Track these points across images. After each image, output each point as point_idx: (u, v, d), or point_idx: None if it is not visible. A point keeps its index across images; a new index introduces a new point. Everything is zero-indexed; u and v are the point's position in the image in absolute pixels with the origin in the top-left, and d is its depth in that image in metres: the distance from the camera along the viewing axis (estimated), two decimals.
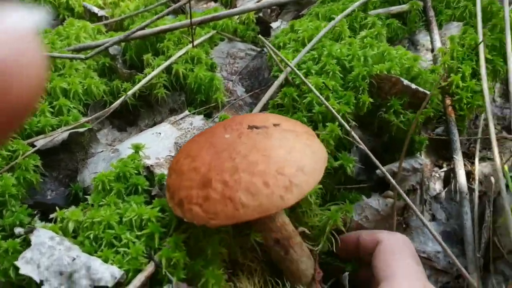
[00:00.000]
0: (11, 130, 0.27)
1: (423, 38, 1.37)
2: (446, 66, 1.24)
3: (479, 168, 1.21)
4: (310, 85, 1.07)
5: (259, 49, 1.52)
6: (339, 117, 1.07)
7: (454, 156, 1.16)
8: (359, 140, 1.04)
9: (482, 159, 1.26)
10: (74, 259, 0.87)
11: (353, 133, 1.04)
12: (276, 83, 1.19)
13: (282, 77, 1.20)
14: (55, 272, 0.86)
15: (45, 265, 0.86)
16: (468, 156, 1.24)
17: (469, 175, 1.21)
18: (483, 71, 1.17)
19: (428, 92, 1.13)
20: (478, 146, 1.23)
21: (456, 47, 1.24)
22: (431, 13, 1.40)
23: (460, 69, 1.23)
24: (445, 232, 1.14)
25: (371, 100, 1.14)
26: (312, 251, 1.08)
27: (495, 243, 1.09)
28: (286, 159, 0.84)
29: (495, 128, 1.34)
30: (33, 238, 0.90)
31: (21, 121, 0.27)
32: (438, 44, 1.34)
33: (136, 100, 1.35)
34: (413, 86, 1.12)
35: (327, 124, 1.11)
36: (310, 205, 1.11)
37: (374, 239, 1.01)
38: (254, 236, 1.03)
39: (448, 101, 1.22)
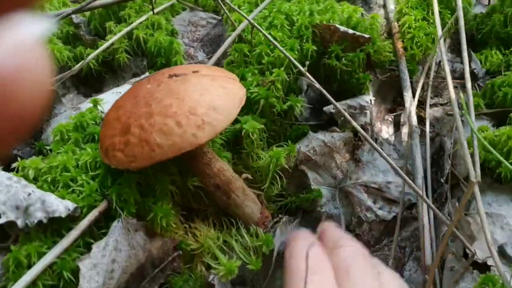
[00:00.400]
0: (18, 138, 0.27)
1: None
2: (401, 13, 1.31)
3: (430, 112, 1.27)
4: (265, 33, 1.13)
5: (219, 18, 1.58)
6: (292, 59, 1.13)
7: (404, 93, 1.23)
8: (310, 77, 1.09)
9: (434, 105, 1.33)
10: (29, 194, 0.93)
11: (306, 73, 1.10)
12: (230, 39, 1.26)
13: (235, 33, 1.26)
14: (11, 206, 0.91)
15: (2, 200, 0.92)
16: (420, 103, 1.31)
17: (421, 119, 1.28)
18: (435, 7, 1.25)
19: (366, 36, 1.19)
20: (429, 92, 1.30)
21: None
22: None
23: (412, 14, 1.31)
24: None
25: (314, 48, 1.21)
26: (259, 196, 1.14)
27: (453, 173, 1.16)
28: (198, 100, 0.89)
29: (445, 79, 1.41)
30: None
31: (27, 130, 0.27)
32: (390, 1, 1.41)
33: (100, 66, 1.41)
34: (350, 31, 1.19)
35: (273, 70, 1.17)
36: (254, 148, 1.16)
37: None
38: (190, 181, 1.09)
39: (399, 44, 1.29)
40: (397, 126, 1.32)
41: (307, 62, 1.11)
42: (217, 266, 1.03)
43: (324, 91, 1.07)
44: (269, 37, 1.12)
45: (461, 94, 1.09)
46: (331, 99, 1.06)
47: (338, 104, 1.06)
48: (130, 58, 1.41)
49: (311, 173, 1.18)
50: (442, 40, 1.18)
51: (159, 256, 1.03)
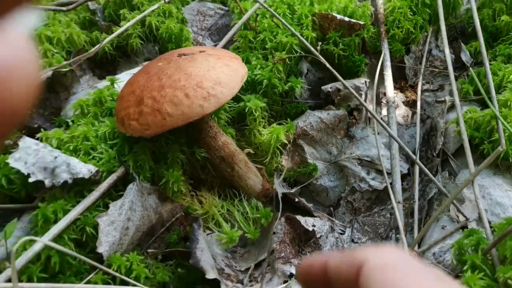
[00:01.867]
0: (6, 133, 0.27)
1: None
2: (390, 1, 1.43)
3: (422, 97, 1.38)
4: (276, 14, 1.24)
5: (226, 9, 1.68)
6: (304, 40, 1.24)
7: (384, 72, 1.34)
8: (322, 58, 1.20)
9: (425, 91, 1.44)
10: (56, 157, 1.03)
11: (319, 55, 1.21)
12: (237, 25, 1.36)
13: (243, 19, 1.37)
14: (40, 167, 1.02)
15: (31, 162, 1.02)
16: (412, 88, 1.42)
17: (414, 103, 1.39)
18: None
19: (362, 23, 1.31)
20: (421, 79, 1.41)
21: None
22: None
23: (398, 2, 1.42)
24: (386, 143, 1.31)
25: (313, 34, 1.32)
26: (261, 170, 1.25)
27: (443, 149, 1.27)
28: (204, 75, 1.01)
29: (437, 68, 1.52)
30: (21, 143, 1.06)
31: (15, 126, 0.27)
32: None
33: (114, 50, 1.51)
34: (347, 19, 1.30)
35: (276, 53, 1.28)
36: (256, 125, 1.27)
37: (353, 260, 0.86)
38: (198, 152, 1.19)
39: (382, 28, 1.40)
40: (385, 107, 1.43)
41: (320, 44, 1.22)
42: (219, 233, 1.14)
43: (333, 70, 1.18)
44: (283, 20, 1.23)
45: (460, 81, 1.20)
46: (339, 76, 1.18)
47: (345, 82, 1.17)
48: (143, 43, 1.52)
49: (308, 147, 1.28)
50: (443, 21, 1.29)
51: (168, 218, 1.13)
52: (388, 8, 1.43)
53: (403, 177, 1.27)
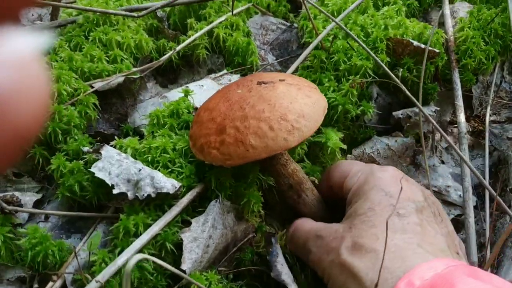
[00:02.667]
0: (11, 159, 0.26)
1: (435, 14, 1.54)
2: (462, 30, 1.41)
3: (489, 128, 1.37)
4: (353, 36, 1.23)
5: (289, 24, 1.67)
6: (383, 65, 1.23)
7: (456, 102, 1.33)
8: (397, 81, 1.19)
9: (492, 122, 1.42)
10: (140, 170, 1.02)
11: (397, 80, 1.20)
12: (311, 46, 1.35)
13: (316, 41, 1.35)
14: (124, 179, 1.01)
15: (115, 172, 1.01)
16: (478, 118, 1.41)
17: (480, 134, 1.38)
18: None
19: (437, 50, 1.30)
20: (488, 110, 1.40)
21: (473, 19, 1.41)
22: None
23: (471, 32, 1.41)
24: (453, 173, 1.29)
25: (388, 59, 1.30)
26: None
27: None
28: (288, 107, 0.99)
29: (503, 99, 1.51)
30: (103, 152, 1.05)
31: (21, 149, 0.26)
32: (447, 12, 1.50)
33: (179, 59, 1.50)
34: (422, 45, 1.29)
35: (350, 77, 1.27)
36: (329, 161, 1.25)
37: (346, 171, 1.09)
38: (268, 180, 1.18)
39: (453, 56, 1.39)
40: (456, 137, 1.42)
41: (401, 70, 1.21)
42: None
43: (411, 96, 1.16)
44: (362, 43, 1.21)
45: None
46: (417, 103, 1.16)
47: (422, 108, 1.16)
48: (208, 54, 1.51)
49: None
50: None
51: (241, 238, 1.12)
52: (461, 37, 1.42)
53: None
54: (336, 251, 0.91)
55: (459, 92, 1.37)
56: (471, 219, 1.18)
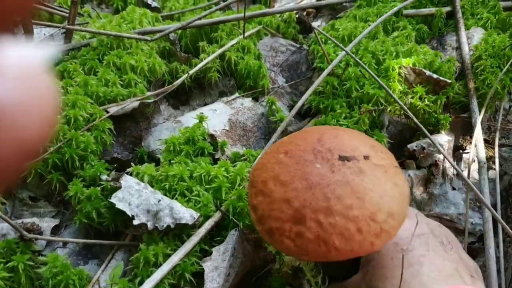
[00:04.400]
0: (18, 171, 0.25)
1: (449, 38, 1.56)
2: (480, 58, 1.44)
3: (498, 152, 1.39)
4: (365, 67, 1.25)
5: (298, 46, 1.70)
6: (394, 95, 1.25)
7: (475, 131, 1.35)
8: (407, 111, 1.22)
9: (501, 145, 1.45)
10: (159, 200, 1.04)
11: (407, 110, 1.22)
12: (325, 73, 1.37)
13: (328, 69, 1.37)
14: (143, 210, 1.02)
15: (135, 203, 1.02)
16: (489, 143, 1.43)
17: (489, 159, 1.40)
18: None
19: (448, 81, 1.32)
20: (497, 134, 1.42)
21: (488, 46, 1.44)
22: (459, 14, 1.58)
23: (488, 61, 1.43)
24: (465, 199, 1.32)
25: (400, 87, 1.33)
26: None
27: None
28: (378, 203, 0.86)
29: (511, 123, 1.53)
30: (123, 182, 1.06)
31: (28, 161, 0.26)
32: (464, 40, 1.52)
33: (191, 81, 1.52)
34: (435, 76, 1.31)
35: (362, 105, 1.29)
36: None
37: None
38: None
39: (471, 85, 1.41)
40: (465, 163, 1.44)
41: (411, 100, 1.24)
42: None
43: (416, 120, 1.19)
44: (373, 74, 1.24)
45: None
46: (428, 135, 1.18)
47: (435, 141, 1.18)
48: (220, 77, 1.53)
49: None
50: None
51: (260, 264, 1.13)
52: (480, 66, 1.43)
53: (481, 236, 1.28)
54: None
55: (478, 121, 1.38)
56: (492, 250, 1.20)
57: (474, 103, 1.39)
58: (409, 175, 1.31)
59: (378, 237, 0.84)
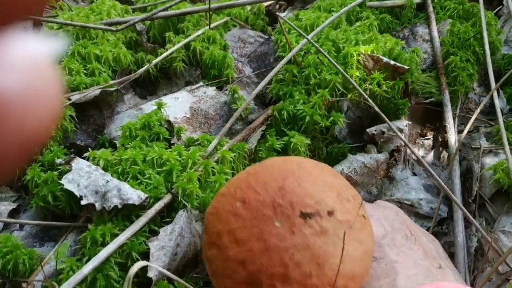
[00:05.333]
0: (21, 163, 0.26)
1: (422, 30, 1.59)
2: (448, 52, 1.47)
3: (458, 138, 1.41)
4: (324, 52, 1.28)
5: (266, 37, 1.72)
6: (352, 80, 1.27)
7: (446, 124, 1.37)
8: (366, 97, 1.24)
9: (461, 131, 1.46)
10: (107, 181, 1.06)
11: (366, 95, 1.24)
12: (284, 60, 1.39)
13: (288, 56, 1.40)
14: (92, 190, 1.05)
15: (84, 184, 1.05)
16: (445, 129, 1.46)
17: (445, 144, 1.42)
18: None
19: (406, 67, 1.34)
20: (456, 121, 1.44)
21: (454, 38, 1.47)
22: (430, 9, 1.61)
23: (458, 55, 1.45)
24: (425, 184, 1.33)
25: (358, 74, 1.35)
26: None
27: (479, 194, 1.30)
28: (339, 268, 0.83)
29: (472, 110, 1.55)
30: (74, 164, 1.09)
31: (32, 154, 0.26)
32: (435, 34, 1.55)
33: (157, 71, 1.55)
34: (392, 62, 1.33)
35: (318, 91, 1.31)
36: None
37: None
38: None
39: (443, 79, 1.43)
40: (427, 149, 1.46)
41: (369, 86, 1.26)
42: None
43: (381, 112, 1.21)
44: (332, 60, 1.26)
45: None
46: (386, 119, 1.21)
47: (392, 124, 1.20)
48: (185, 67, 1.55)
49: None
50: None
51: None
52: (451, 63, 1.46)
53: (442, 220, 1.29)
54: None
55: (449, 114, 1.41)
56: (460, 238, 1.21)
57: (446, 97, 1.42)
58: (370, 158, 1.33)
59: None
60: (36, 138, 0.25)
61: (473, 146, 1.40)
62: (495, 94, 1.34)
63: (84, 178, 1.06)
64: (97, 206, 1.04)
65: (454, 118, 1.47)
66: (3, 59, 0.24)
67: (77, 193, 1.03)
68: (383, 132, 1.37)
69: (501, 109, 1.47)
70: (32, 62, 0.25)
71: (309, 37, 1.38)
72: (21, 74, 0.24)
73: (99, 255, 0.99)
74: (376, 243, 0.92)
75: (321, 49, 1.31)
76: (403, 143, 1.37)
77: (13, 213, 1.22)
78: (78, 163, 1.09)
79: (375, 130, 1.35)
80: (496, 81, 1.52)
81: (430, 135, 1.48)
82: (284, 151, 1.28)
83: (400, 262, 0.93)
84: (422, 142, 1.49)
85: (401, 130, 1.31)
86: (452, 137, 1.36)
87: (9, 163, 0.25)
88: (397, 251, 0.95)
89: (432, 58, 1.53)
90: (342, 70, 1.27)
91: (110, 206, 1.03)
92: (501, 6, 1.77)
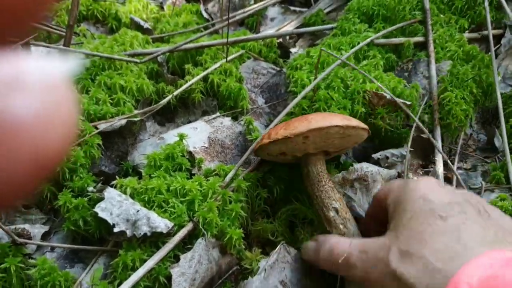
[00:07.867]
0: (38, 183, 0.25)
1: (423, 67, 1.70)
2: (445, 90, 1.58)
3: (456, 175, 1.52)
4: (361, 71, 1.38)
5: (278, 69, 1.83)
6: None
7: (436, 158, 1.48)
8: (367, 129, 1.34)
9: (458, 168, 1.57)
10: (138, 211, 1.16)
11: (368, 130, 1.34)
12: (298, 98, 1.50)
13: (301, 94, 1.50)
14: (123, 219, 1.15)
15: (116, 213, 1.15)
16: (446, 165, 1.56)
17: (450, 181, 1.52)
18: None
19: (408, 102, 1.46)
20: (457, 158, 1.55)
21: (453, 78, 1.59)
22: (431, 48, 1.72)
23: (454, 92, 1.56)
24: None
25: (363, 109, 1.46)
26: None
27: None
28: None
29: (470, 147, 1.66)
30: (106, 193, 1.19)
31: (48, 175, 0.25)
32: (433, 73, 1.66)
33: (177, 101, 1.65)
34: (395, 98, 1.44)
35: None
36: None
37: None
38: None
39: (436, 115, 1.55)
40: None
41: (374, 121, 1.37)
42: None
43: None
44: (367, 73, 1.36)
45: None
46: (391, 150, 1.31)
47: (396, 150, 1.31)
48: (203, 97, 1.66)
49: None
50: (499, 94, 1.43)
51: (225, 269, 1.25)
52: (446, 98, 1.57)
53: None
54: (385, 261, 0.91)
55: (439, 149, 1.51)
56: None
57: (438, 133, 1.52)
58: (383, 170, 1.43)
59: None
60: (51, 160, 0.25)
61: (471, 186, 1.50)
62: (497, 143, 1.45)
63: (116, 207, 1.16)
64: (128, 233, 1.14)
65: (449, 152, 1.58)
66: (15, 79, 0.24)
67: (110, 221, 1.13)
68: (387, 157, 1.48)
69: (498, 147, 1.58)
70: (45, 83, 0.25)
71: (319, 77, 1.49)
72: (34, 95, 0.24)
73: (130, 279, 1.09)
74: (447, 203, 0.94)
75: (355, 67, 1.42)
76: (403, 169, 1.48)
77: (44, 235, 1.32)
78: (110, 193, 1.19)
79: (380, 155, 1.46)
80: (493, 119, 1.63)
81: (431, 167, 1.59)
82: (291, 182, 1.39)
83: (467, 224, 0.90)
84: (422, 172, 1.60)
85: (404, 156, 1.43)
86: (441, 175, 1.46)
87: (24, 187, 0.24)
88: (466, 217, 0.92)
89: (428, 95, 1.65)
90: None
91: (140, 233, 1.13)
92: (499, 45, 1.89)
